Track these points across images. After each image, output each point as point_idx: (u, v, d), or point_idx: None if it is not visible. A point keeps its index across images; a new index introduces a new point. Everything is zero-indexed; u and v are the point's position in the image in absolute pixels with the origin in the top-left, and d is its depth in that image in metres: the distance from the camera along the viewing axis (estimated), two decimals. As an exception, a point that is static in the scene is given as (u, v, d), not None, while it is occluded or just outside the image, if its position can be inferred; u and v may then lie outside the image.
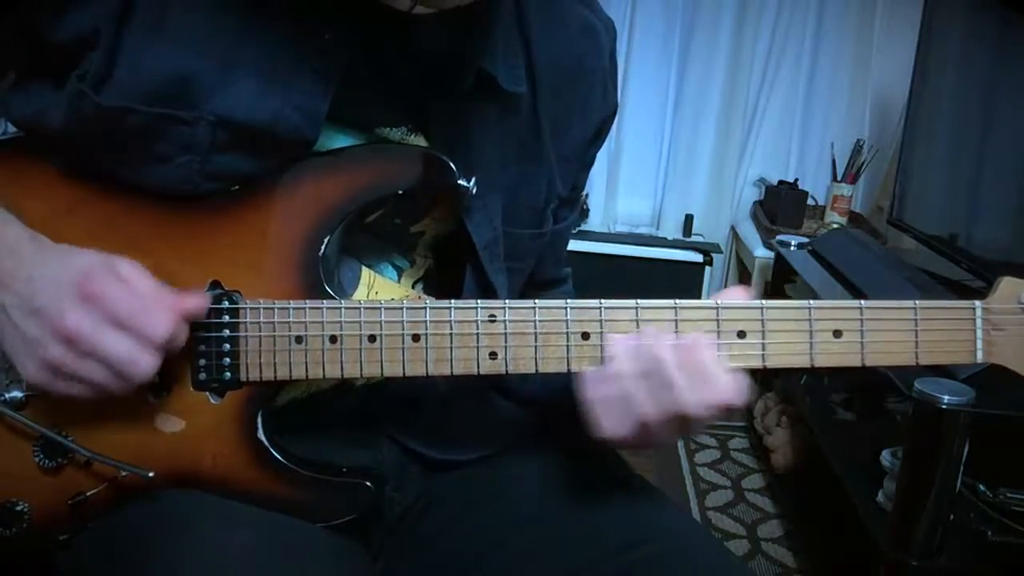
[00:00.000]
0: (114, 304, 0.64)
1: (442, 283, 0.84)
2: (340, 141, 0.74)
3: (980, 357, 0.69)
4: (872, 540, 1.45)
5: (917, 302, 0.68)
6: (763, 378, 2.51)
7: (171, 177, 0.70)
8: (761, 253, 2.61)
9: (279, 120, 0.70)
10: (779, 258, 2.35)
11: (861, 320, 0.68)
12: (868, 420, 1.92)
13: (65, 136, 0.70)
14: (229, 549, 0.65)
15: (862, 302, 0.68)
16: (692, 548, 0.74)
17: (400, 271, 0.82)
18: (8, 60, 0.74)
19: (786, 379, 2.24)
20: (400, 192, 0.72)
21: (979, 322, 0.68)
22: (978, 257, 1.77)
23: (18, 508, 0.72)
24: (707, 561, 0.73)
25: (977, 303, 0.68)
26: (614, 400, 0.67)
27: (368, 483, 0.74)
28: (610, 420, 0.67)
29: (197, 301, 0.68)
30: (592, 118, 0.86)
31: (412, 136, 0.77)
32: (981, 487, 1.51)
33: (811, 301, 0.68)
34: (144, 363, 0.65)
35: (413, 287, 0.83)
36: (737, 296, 0.70)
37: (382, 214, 0.78)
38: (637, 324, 0.68)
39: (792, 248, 2.32)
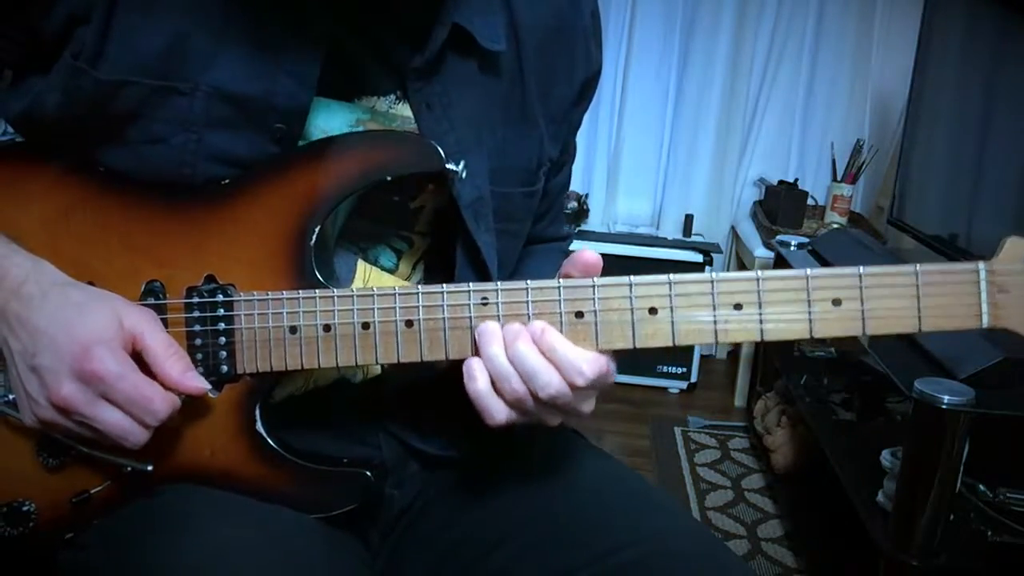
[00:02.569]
0: (110, 388, 0.64)
1: (442, 259, 0.83)
2: (332, 111, 0.74)
3: (986, 322, 0.65)
4: (872, 540, 1.45)
5: (918, 266, 0.65)
6: (764, 378, 2.51)
7: (168, 159, 0.70)
8: (761, 253, 2.61)
9: (273, 87, 0.70)
10: (779, 258, 2.35)
11: (860, 288, 0.65)
12: (868, 420, 1.92)
13: (60, 122, 0.70)
14: (230, 545, 0.65)
15: (861, 268, 0.65)
16: (692, 547, 0.73)
17: (399, 254, 0.82)
18: (4, 59, 0.74)
19: (786, 379, 2.24)
20: (388, 179, 0.71)
21: (984, 285, 0.65)
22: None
23: (25, 508, 0.73)
24: (707, 560, 0.73)
25: (981, 264, 0.65)
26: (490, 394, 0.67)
27: (368, 473, 0.73)
28: (492, 413, 0.67)
29: (198, 385, 0.68)
30: (576, 77, 0.86)
31: (399, 104, 0.77)
32: (981, 487, 1.50)
33: (808, 270, 0.66)
34: (136, 437, 0.66)
35: (413, 268, 0.83)
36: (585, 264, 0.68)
37: (378, 192, 0.78)
38: (631, 301, 0.67)
39: (792, 248, 2.32)
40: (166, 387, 0.67)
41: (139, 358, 0.67)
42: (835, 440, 1.82)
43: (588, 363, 0.66)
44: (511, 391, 0.66)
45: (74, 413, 0.65)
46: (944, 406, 1.29)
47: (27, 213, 0.72)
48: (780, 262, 2.34)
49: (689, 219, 2.98)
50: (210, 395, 0.71)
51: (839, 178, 2.84)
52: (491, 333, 0.66)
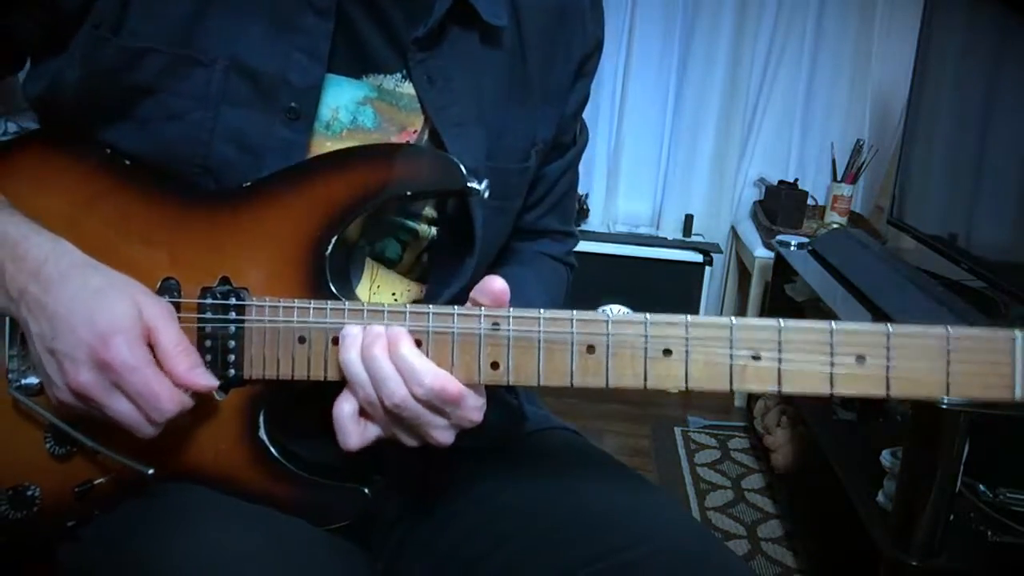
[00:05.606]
0: (123, 378, 0.65)
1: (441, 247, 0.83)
2: (341, 87, 0.75)
3: (1019, 394, 0.61)
4: (872, 540, 1.45)
5: (950, 328, 0.61)
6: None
7: (183, 138, 0.72)
8: (761, 253, 2.61)
9: (287, 63, 0.72)
10: (779, 258, 2.36)
11: (887, 347, 0.62)
12: (868, 420, 1.92)
13: (78, 100, 0.72)
14: (230, 547, 0.66)
15: (889, 326, 0.62)
16: (692, 547, 0.73)
17: (404, 245, 0.82)
18: (22, 37, 0.75)
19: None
20: (408, 194, 0.72)
21: (1019, 354, 0.61)
22: (978, 257, 1.78)
23: (29, 492, 0.73)
24: (707, 560, 0.73)
25: (1018, 333, 0.61)
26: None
27: (365, 490, 0.73)
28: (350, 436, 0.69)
29: (204, 382, 0.69)
30: (573, 55, 0.87)
31: (405, 83, 0.78)
32: (981, 487, 1.51)
33: (832, 323, 0.62)
34: (147, 430, 0.67)
35: (418, 259, 0.83)
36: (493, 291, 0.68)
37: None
38: (645, 340, 0.64)
39: (792, 248, 2.32)
40: (174, 382, 0.67)
41: (152, 351, 0.68)
42: (835, 440, 1.82)
43: (432, 375, 0.65)
44: (364, 396, 0.67)
45: (88, 400, 0.66)
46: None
47: (50, 202, 0.73)
48: (780, 262, 2.35)
49: (689, 219, 2.99)
50: (216, 397, 0.72)
51: (839, 178, 2.84)
52: (352, 337, 0.67)
